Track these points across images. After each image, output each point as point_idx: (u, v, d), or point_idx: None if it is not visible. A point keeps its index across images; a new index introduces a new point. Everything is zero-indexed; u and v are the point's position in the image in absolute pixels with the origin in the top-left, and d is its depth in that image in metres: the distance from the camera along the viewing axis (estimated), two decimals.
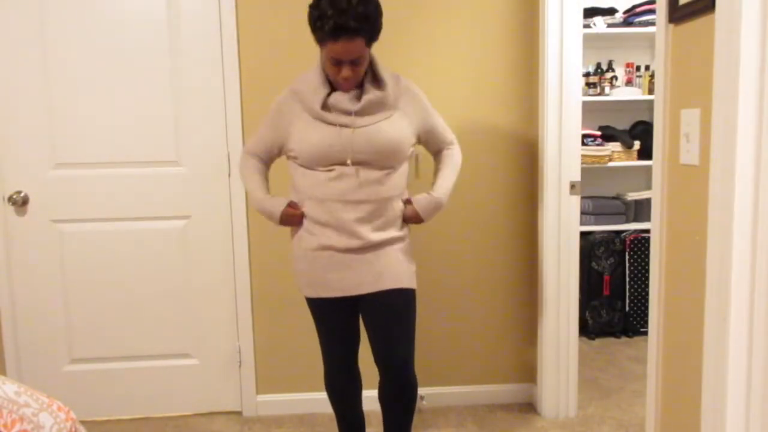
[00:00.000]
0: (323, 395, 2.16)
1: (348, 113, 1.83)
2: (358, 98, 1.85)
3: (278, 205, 1.93)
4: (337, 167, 1.84)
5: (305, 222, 1.92)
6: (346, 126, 1.83)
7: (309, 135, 1.85)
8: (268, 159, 2.03)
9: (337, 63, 1.77)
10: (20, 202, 2.57)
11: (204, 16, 2.53)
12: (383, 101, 1.86)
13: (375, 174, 1.85)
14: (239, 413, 2.76)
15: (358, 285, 1.89)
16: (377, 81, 1.88)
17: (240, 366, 2.73)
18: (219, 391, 2.76)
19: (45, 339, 2.67)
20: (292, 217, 1.93)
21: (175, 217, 2.64)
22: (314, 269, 1.91)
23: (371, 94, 1.84)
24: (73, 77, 2.53)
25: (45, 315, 2.65)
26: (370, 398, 2.22)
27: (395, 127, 1.87)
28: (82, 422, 1.43)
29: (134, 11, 2.51)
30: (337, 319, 1.99)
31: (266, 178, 2.05)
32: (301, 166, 1.90)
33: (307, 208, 1.90)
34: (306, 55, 2.50)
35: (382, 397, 2.04)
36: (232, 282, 2.69)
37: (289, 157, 1.96)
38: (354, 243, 1.86)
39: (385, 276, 1.89)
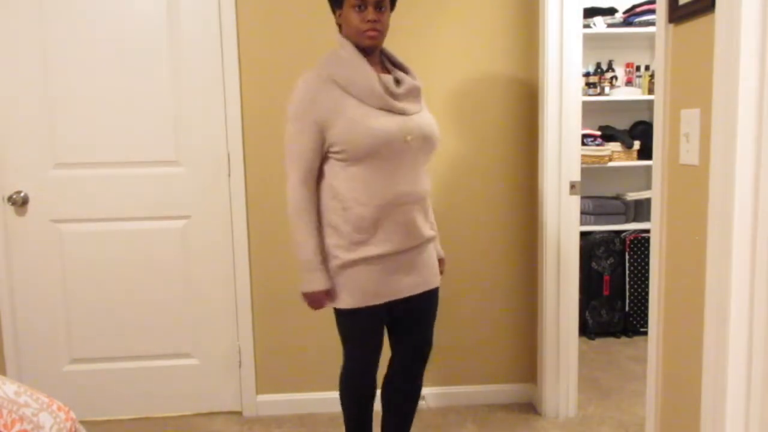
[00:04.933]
0: (323, 395, 2.16)
1: (395, 96, 1.78)
2: (396, 82, 1.81)
3: (320, 284, 1.76)
4: (390, 159, 1.74)
5: (352, 229, 1.77)
6: (403, 113, 1.78)
7: (367, 122, 1.70)
8: (316, 173, 1.80)
9: (361, 6, 1.74)
10: (20, 202, 2.57)
11: (204, 15, 2.53)
12: (418, 88, 1.86)
13: (422, 166, 1.83)
14: (239, 413, 2.76)
15: (414, 285, 1.86)
16: (404, 70, 1.89)
17: (240, 366, 2.73)
18: (219, 391, 2.76)
19: (45, 339, 2.67)
20: (316, 302, 1.79)
21: (175, 217, 2.64)
22: (373, 277, 1.79)
23: (409, 82, 1.82)
24: (73, 77, 2.53)
25: (45, 315, 2.65)
26: None
27: (432, 117, 1.90)
28: (82, 422, 1.43)
29: (134, 11, 2.51)
30: (379, 325, 1.90)
31: (317, 218, 1.81)
32: (348, 162, 1.74)
33: (359, 212, 1.74)
34: (306, 54, 2.50)
35: (390, 397, 2.03)
36: (232, 282, 2.69)
37: (328, 154, 1.78)
38: (412, 241, 1.81)
39: (433, 275, 1.92)
